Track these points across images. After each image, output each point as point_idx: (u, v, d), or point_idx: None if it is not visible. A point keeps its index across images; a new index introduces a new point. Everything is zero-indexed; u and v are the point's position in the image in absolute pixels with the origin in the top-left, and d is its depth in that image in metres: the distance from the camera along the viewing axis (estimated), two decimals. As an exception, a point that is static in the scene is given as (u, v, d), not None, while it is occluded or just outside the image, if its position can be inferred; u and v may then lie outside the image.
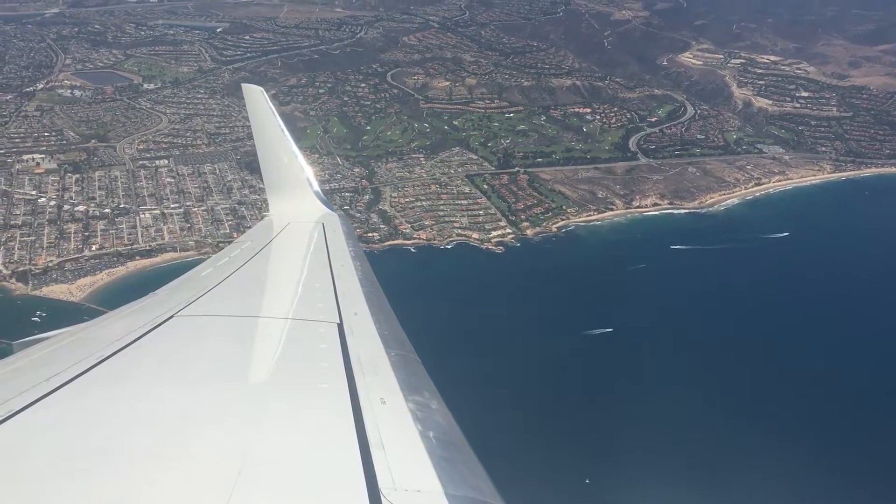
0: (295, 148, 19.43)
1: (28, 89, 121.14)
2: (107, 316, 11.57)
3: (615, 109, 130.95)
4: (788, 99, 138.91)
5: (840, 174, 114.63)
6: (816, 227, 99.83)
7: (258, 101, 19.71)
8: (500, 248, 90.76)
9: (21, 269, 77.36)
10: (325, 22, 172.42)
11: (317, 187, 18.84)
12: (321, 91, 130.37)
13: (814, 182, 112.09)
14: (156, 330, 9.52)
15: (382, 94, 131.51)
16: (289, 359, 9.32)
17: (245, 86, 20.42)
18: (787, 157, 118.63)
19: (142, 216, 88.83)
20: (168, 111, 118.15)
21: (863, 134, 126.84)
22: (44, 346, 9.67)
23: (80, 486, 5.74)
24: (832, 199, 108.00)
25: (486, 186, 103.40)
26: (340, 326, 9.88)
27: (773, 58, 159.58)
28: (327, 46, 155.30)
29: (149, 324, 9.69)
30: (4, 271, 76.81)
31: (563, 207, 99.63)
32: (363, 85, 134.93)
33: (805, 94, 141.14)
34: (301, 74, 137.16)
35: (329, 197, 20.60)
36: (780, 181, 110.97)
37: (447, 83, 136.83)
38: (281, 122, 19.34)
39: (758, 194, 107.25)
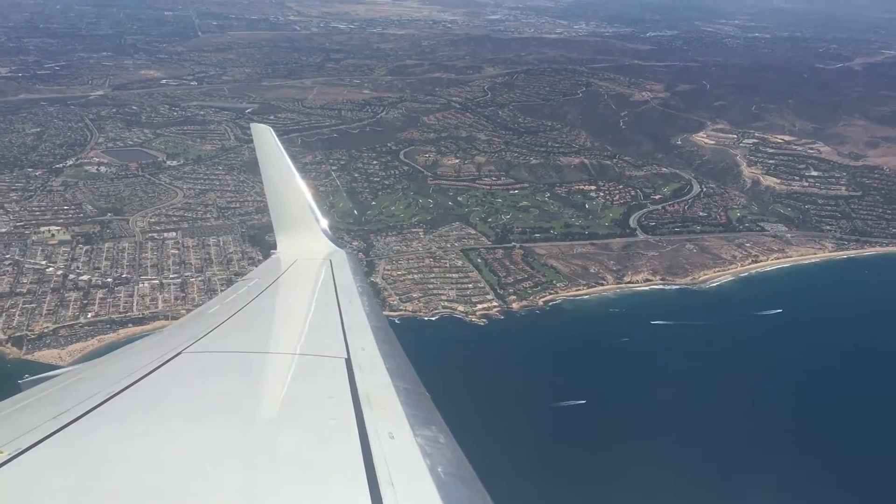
0: (303, 186, 19.76)
1: (58, 166, 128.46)
2: (114, 354, 11.75)
3: (620, 187, 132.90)
4: (797, 178, 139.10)
5: (841, 253, 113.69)
6: (810, 304, 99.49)
7: (266, 139, 20.23)
8: (484, 320, 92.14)
9: (17, 334, 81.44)
10: (350, 103, 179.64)
11: (325, 225, 19.16)
12: (333, 168, 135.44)
13: (813, 260, 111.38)
14: (163, 367, 9.62)
15: (392, 171, 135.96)
16: (297, 394, 9.35)
17: (254, 125, 20.85)
18: (789, 235, 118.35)
19: (140, 286, 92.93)
20: (185, 186, 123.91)
21: (870, 213, 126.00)
22: (51, 384, 9.76)
23: None
24: (830, 277, 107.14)
25: (479, 260, 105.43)
26: (348, 361, 9.94)
27: (786, 137, 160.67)
28: (347, 126, 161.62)
29: (156, 361, 9.78)
30: (2, 336, 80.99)
31: (553, 282, 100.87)
32: (375, 162, 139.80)
33: (815, 173, 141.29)
34: (317, 152, 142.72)
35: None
36: (778, 259, 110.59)
37: (457, 161, 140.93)
38: (289, 161, 19.82)
39: (753, 271, 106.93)
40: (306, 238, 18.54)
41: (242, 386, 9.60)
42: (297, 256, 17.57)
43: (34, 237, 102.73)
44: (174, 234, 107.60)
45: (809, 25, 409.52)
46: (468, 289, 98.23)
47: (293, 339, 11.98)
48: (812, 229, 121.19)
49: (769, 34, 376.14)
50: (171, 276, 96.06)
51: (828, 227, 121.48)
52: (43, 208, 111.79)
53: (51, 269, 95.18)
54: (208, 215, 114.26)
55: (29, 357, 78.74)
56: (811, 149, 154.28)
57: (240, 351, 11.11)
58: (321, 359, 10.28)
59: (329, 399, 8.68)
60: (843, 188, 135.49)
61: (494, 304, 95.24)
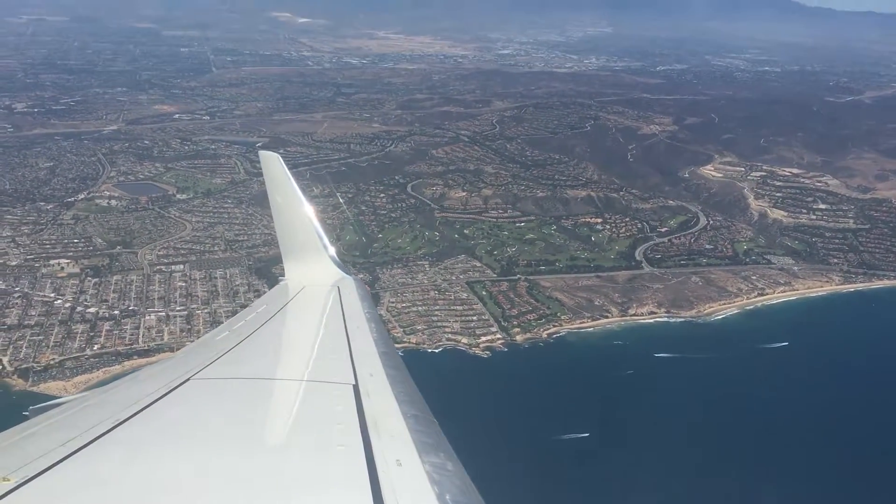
0: (311, 213, 19.85)
1: (69, 199, 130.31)
2: (123, 380, 11.76)
3: (626, 219, 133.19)
4: (805, 211, 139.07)
5: (849, 286, 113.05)
6: (817, 337, 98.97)
7: (274, 166, 20.18)
8: (487, 352, 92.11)
9: (24, 366, 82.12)
10: (360, 137, 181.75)
11: (332, 252, 19.25)
12: (341, 201, 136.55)
13: (820, 293, 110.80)
14: (171, 393, 9.64)
15: (399, 204, 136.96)
16: (304, 421, 9.34)
17: (262, 152, 20.88)
18: (796, 267, 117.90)
19: (147, 318, 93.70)
20: (194, 219, 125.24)
21: (878, 246, 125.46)
22: (59, 411, 9.80)
23: None
24: (837, 310, 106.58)
25: (484, 293, 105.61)
26: (356, 387, 9.98)
27: (795, 170, 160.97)
28: (356, 159, 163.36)
29: (163, 388, 9.80)
30: (8, 368, 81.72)
31: (558, 314, 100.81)
32: (382, 195, 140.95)
33: (823, 205, 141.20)
34: (325, 185, 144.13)
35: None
36: (784, 291, 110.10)
37: (464, 193, 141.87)
38: (297, 188, 19.85)
39: (759, 304, 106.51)
40: (314, 265, 18.63)
41: (250, 412, 9.59)
42: (305, 283, 17.67)
43: (44, 270, 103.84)
44: (182, 266, 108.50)
45: (820, 59, 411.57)
46: (472, 321, 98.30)
47: (301, 366, 11.96)
48: (819, 262, 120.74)
49: (779, 68, 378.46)
50: (177, 308, 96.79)
51: (835, 260, 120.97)
52: (53, 241, 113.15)
53: (59, 301, 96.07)
54: (216, 248, 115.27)
55: (34, 389, 79.30)
56: (819, 182, 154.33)
57: (247, 377, 11.11)
58: (329, 385, 10.31)
59: (337, 425, 8.68)
60: (851, 221, 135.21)
61: (498, 336, 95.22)
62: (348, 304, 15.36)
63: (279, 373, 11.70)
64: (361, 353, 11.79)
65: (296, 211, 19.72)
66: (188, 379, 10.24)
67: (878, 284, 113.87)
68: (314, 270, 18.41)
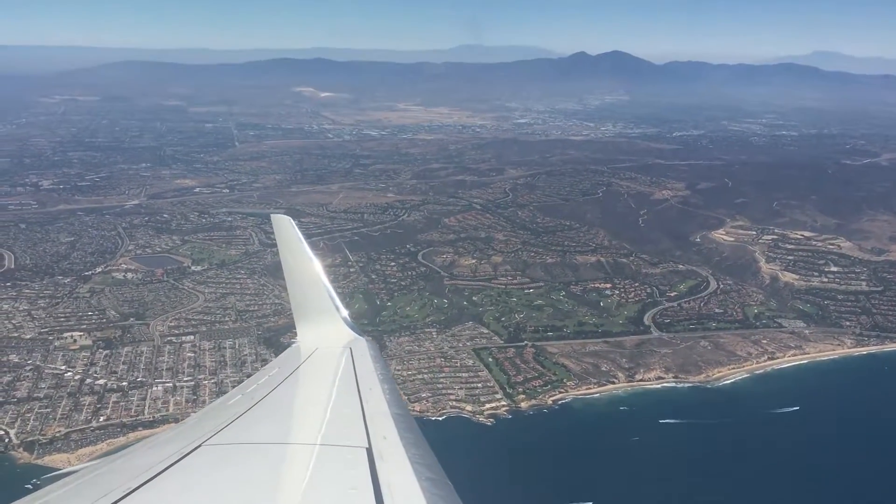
0: (323, 276, 19.98)
1: (87, 273, 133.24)
2: (135, 447, 11.85)
3: (636, 284, 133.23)
4: (816, 274, 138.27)
5: (861, 349, 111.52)
6: (828, 401, 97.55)
7: (287, 229, 20.59)
8: (491, 419, 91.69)
9: (30, 439, 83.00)
10: (374, 206, 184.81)
11: (345, 313, 19.27)
12: (352, 270, 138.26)
13: (832, 357, 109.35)
14: (184, 460, 9.62)
15: (409, 272, 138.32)
16: (318, 486, 9.16)
17: (273, 215, 21.24)
18: (807, 331, 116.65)
19: (154, 389, 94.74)
20: (206, 290, 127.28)
21: (891, 308, 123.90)
22: (72, 479, 9.78)
23: None
24: (849, 373, 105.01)
25: (490, 360, 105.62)
26: (370, 451, 9.93)
27: (806, 233, 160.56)
28: (369, 229, 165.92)
29: (176, 454, 9.78)
30: (15, 441, 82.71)
31: (564, 380, 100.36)
32: (392, 263, 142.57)
33: (835, 268, 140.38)
34: (337, 254, 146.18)
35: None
36: (795, 355, 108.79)
37: (473, 261, 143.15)
38: (309, 250, 20.09)
39: (769, 368, 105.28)
40: (326, 326, 18.63)
41: (263, 478, 9.44)
42: (318, 345, 17.71)
43: (57, 343, 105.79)
44: (192, 337, 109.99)
45: (838, 122, 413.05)
46: (477, 388, 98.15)
47: (314, 429, 11.75)
48: (831, 325, 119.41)
49: (797, 132, 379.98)
50: (184, 378, 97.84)
51: (847, 323, 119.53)
52: (68, 314, 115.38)
53: (69, 373, 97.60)
54: (226, 318, 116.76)
55: (39, 461, 79.99)
56: (832, 244, 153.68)
57: (260, 442, 11.04)
58: (342, 449, 10.19)
59: (351, 490, 8.56)
60: (864, 283, 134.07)
61: (503, 403, 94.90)
62: (361, 366, 15.37)
63: (292, 437, 11.63)
64: (374, 416, 11.75)
65: (308, 273, 19.90)
66: (200, 445, 10.22)
67: (890, 347, 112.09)
68: (326, 332, 18.44)
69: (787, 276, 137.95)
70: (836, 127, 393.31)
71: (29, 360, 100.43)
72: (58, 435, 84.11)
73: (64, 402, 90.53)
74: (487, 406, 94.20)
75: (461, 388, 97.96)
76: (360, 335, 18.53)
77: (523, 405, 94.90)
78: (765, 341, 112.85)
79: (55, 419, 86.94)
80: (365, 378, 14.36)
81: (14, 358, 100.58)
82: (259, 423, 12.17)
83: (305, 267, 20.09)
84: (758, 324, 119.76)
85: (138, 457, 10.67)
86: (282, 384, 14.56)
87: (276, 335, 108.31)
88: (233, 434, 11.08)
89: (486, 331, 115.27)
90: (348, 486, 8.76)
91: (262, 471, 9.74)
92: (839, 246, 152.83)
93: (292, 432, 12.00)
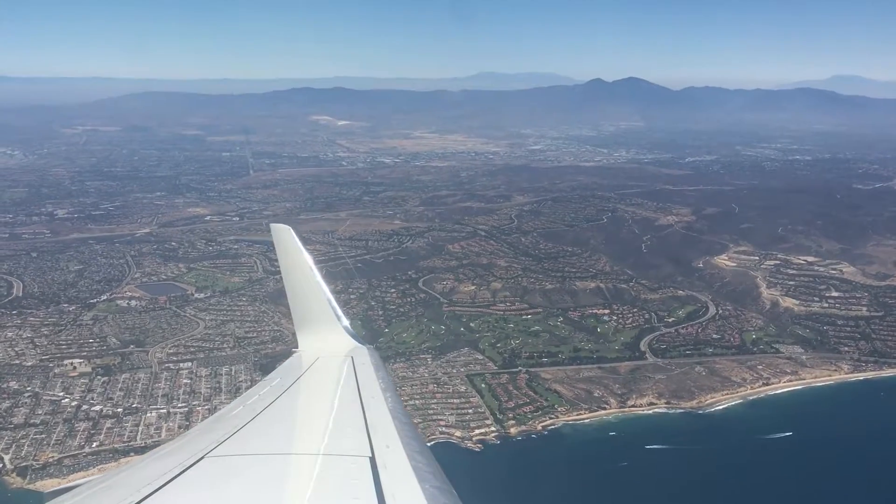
0: (323, 285, 20.21)
1: (92, 301, 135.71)
2: (138, 460, 11.80)
3: (634, 310, 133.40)
4: (817, 299, 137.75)
5: (858, 374, 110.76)
6: (821, 427, 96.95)
7: (286, 239, 20.61)
8: (480, 445, 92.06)
9: (23, 464, 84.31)
10: (379, 233, 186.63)
11: (346, 322, 19.62)
12: (352, 297, 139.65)
13: (827, 382, 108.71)
14: (186, 472, 9.65)
15: (409, 299, 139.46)
16: (321, 496, 9.19)
17: (273, 224, 21.41)
18: (804, 356, 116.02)
19: (148, 415, 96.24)
20: (207, 318, 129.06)
21: (891, 334, 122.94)
22: (75, 493, 9.69)
23: None
24: (843, 399, 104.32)
25: (483, 385, 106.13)
26: (372, 460, 10.02)
27: (809, 258, 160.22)
28: (372, 255, 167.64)
29: (178, 467, 9.84)
30: (9, 466, 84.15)
31: (555, 406, 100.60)
32: (392, 290, 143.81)
33: (836, 293, 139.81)
34: (339, 282, 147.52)
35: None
36: (790, 381, 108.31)
37: (473, 287, 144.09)
38: (310, 259, 20.22)
39: (763, 394, 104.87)
40: (327, 335, 18.88)
41: (266, 490, 9.45)
42: (319, 354, 17.85)
43: (56, 370, 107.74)
44: (189, 364, 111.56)
45: (853, 147, 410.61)
46: (468, 414, 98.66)
47: (316, 439, 11.79)
48: (829, 351, 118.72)
49: (811, 156, 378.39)
50: (178, 405, 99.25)
51: (846, 349, 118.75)
52: (70, 341, 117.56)
53: (66, 399, 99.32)
54: (224, 345, 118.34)
55: (31, 486, 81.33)
56: (834, 269, 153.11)
57: (263, 453, 11.11)
58: (345, 458, 10.27)
59: (354, 500, 8.60)
60: (865, 308, 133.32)
61: (492, 429, 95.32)
62: (363, 374, 15.47)
63: (294, 447, 11.72)
64: (377, 424, 11.85)
65: (308, 282, 20.05)
66: (203, 457, 10.29)
67: (888, 373, 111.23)
68: (327, 340, 18.63)
69: (788, 302, 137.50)
70: (850, 151, 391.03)
71: (28, 386, 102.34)
72: (51, 460, 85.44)
73: (59, 428, 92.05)
74: (476, 431, 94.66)
75: (451, 414, 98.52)
76: (361, 343, 18.73)
77: (513, 431, 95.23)
78: (761, 367, 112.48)
79: (49, 445, 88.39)
80: (367, 387, 14.46)
81: (14, 384, 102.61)
82: (261, 433, 12.21)
83: (305, 276, 20.16)
84: (755, 349, 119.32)
85: (142, 469, 10.66)
86: (283, 394, 14.59)
87: (272, 361, 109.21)
88: (235, 445, 11.14)
89: (481, 357, 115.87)
90: (351, 496, 8.78)
91: (265, 482, 9.78)
92: (841, 271, 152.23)
93: (295, 443, 12.10)
